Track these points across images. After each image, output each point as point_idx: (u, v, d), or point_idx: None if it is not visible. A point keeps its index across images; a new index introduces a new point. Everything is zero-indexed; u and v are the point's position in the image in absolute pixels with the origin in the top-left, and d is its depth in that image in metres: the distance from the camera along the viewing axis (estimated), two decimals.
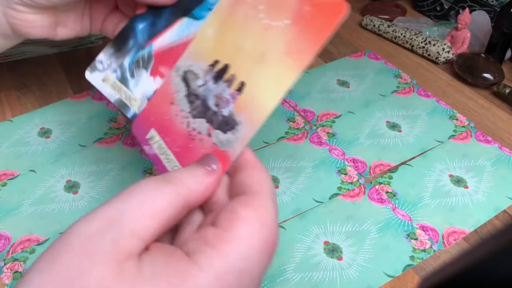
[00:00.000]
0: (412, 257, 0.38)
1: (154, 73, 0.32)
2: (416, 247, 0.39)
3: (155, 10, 0.34)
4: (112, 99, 0.33)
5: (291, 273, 0.37)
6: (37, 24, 0.39)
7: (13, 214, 0.41)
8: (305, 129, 0.49)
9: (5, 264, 0.37)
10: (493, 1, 0.61)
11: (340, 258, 0.38)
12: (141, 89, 0.32)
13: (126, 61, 0.33)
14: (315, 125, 0.50)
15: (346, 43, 0.64)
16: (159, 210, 0.22)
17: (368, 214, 0.41)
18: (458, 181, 0.44)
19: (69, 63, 0.59)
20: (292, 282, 0.36)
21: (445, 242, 0.39)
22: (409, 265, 0.38)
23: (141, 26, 0.34)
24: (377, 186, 0.43)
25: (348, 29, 0.67)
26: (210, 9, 0.30)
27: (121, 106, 0.33)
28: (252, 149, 0.47)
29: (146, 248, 0.22)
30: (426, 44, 0.60)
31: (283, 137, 0.49)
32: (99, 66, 0.35)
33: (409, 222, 0.41)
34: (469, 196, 0.43)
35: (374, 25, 0.65)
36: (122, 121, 0.50)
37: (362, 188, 0.43)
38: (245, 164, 0.26)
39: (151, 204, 0.22)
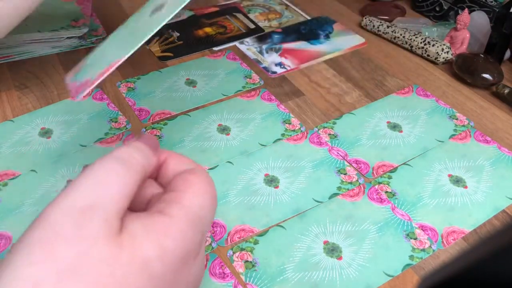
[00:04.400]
0: (411, 257, 0.38)
1: (281, 55, 0.61)
2: (416, 247, 0.39)
3: (286, 33, 0.65)
4: (251, 57, 0.60)
5: (291, 272, 0.37)
6: None
7: (14, 214, 0.41)
8: (301, 131, 0.50)
9: None
10: (492, 2, 0.61)
11: (339, 258, 0.38)
12: (270, 59, 0.60)
13: (264, 46, 0.62)
14: (316, 126, 0.50)
15: None
16: (130, 192, 0.25)
17: (367, 213, 0.41)
18: (457, 181, 0.44)
19: (70, 63, 0.59)
20: (292, 282, 0.36)
21: (445, 241, 0.39)
22: (408, 265, 0.38)
23: (276, 36, 0.64)
24: (376, 186, 0.44)
25: (348, 29, 0.67)
26: (321, 43, 0.63)
27: (256, 62, 0.59)
28: (252, 151, 0.48)
29: (126, 219, 0.25)
30: (425, 44, 0.60)
31: (281, 138, 0.49)
32: (245, 44, 0.62)
33: (409, 221, 0.41)
34: (468, 196, 0.43)
35: (374, 26, 0.65)
36: (122, 121, 0.50)
37: (362, 188, 0.44)
38: (169, 155, 0.30)
39: (125, 189, 0.25)
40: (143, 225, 0.25)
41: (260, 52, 0.61)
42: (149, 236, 0.24)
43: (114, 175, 0.25)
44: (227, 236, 0.39)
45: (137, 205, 0.28)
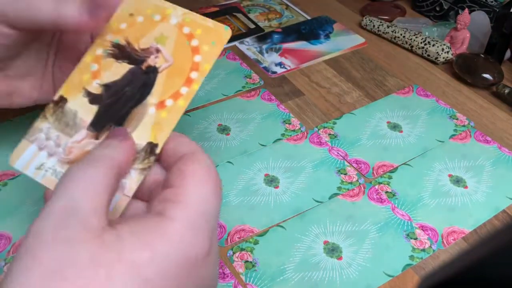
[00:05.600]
0: (411, 257, 0.38)
1: (281, 55, 0.61)
2: (416, 247, 0.39)
3: (286, 32, 0.65)
4: (251, 57, 0.60)
5: (291, 272, 0.37)
6: None
7: (14, 214, 0.41)
8: (301, 131, 0.50)
9: (5, 263, 0.37)
10: (492, 2, 0.61)
11: (339, 258, 0.38)
12: (270, 59, 0.60)
13: (264, 46, 0.62)
14: (316, 126, 0.50)
15: None
16: (103, 187, 0.25)
17: (367, 214, 0.41)
18: (458, 181, 0.44)
19: None
20: (292, 282, 0.36)
21: (445, 242, 0.39)
22: (408, 265, 0.38)
23: (276, 36, 0.64)
24: (376, 186, 0.44)
25: (348, 29, 0.67)
26: (321, 43, 0.63)
27: (256, 61, 0.60)
28: (252, 151, 0.47)
29: (116, 223, 0.25)
30: (425, 44, 0.60)
31: (281, 138, 0.49)
32: (245, 44, 0.63)
33: (409, 221, 0.41)
34: (469, 196, 0.43)
35: (374, 26, 0.65)
36: None
37: (362, 188, 0.43)
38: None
39: (95, 185, 0.25)
40: (133, 227, 0.24)
41: (260, 52, 0.61)
42: (139, 239, 0.23)
43: (80, 173, 0.25)
44: (227, 236, 0.39)
45: (140, 195, 0.29)
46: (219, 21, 0.33)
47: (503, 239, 0.15)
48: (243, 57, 0.60)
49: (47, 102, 0.35)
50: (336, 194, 0.43)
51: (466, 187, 0.44)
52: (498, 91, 0.54)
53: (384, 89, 0.56)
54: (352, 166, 0.46)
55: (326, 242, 0.39)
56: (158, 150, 0.30)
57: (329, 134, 0.49)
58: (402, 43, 0.62)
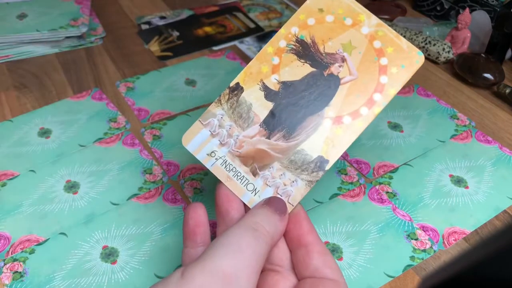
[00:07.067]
0: (412, 257, 0.38)
1: None
2: (417, 247, 0.39)
3: None
4: (252, 57, 0.52)
5: None
6: None
7: (13, 214, 0.40)
8: None
9: (4, 264, 0.37)
10: (493, 1, 0.61)
11: (340, 259, 0.38)
12: None
13: (264, 46, 0.54)
14: None
15: None
16: (260, 265, 0.26)
17: (368, 214, 0.41)
18: (459, 181, 0.44)
19: (69, 63, 0.59)
20: None
21: (446, 242, 0.39)
22: (409, 265, 0.37)
23: None
24: (377, 186, 0.43)
25: None
26: None
27: None
28: None
29: None
30: (426, 44, 0.60)
31: None
32: (246, 43, 0.59)
33: (409, 222, 0.40)
34: (470, 196, 0.43)
35: None
36: (122, 121, 0.50)
37: (362, 188, 0.43)
38: (310, 245, 0.29)
39: (256, 264, 0.25)
40: None
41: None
42: None
43: (246, 245, 0.26)
44: None
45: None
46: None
47: (504, 240, 0.15)
48: (243, 56, 0.60)
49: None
50: (336, 195, 0.43)
51: (467, 187, 0.44)
52: (499, 91, 0.54)
53: None
54: (353, 166, 0.45)
55: (326, 243, 0.39)
56: (327, 167, 0.29)
57: None
58: None
